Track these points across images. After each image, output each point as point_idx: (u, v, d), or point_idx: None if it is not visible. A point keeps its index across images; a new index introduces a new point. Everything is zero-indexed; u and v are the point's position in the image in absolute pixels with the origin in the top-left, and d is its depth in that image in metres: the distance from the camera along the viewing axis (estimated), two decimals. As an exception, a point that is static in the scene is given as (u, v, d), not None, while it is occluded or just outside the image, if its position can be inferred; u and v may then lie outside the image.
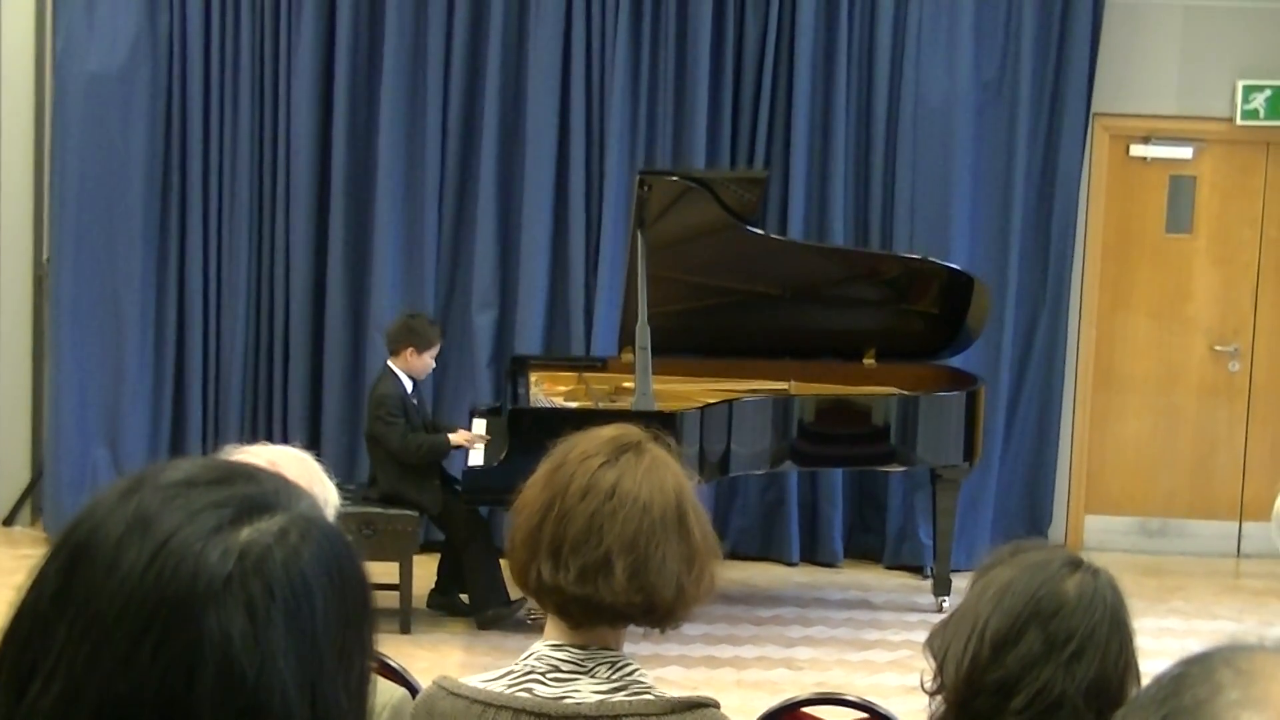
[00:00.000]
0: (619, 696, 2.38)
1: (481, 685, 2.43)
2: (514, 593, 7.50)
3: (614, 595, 2.36)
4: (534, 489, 2.45)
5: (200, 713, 1.10)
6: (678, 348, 8.11)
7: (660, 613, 2.41)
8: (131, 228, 8.92)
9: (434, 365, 8.06)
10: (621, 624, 2.44)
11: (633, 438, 2.47)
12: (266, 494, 1.19)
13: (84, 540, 1.16)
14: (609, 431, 2.49)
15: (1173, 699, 0.94)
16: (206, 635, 1.11)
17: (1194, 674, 0.95)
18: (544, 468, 2.46)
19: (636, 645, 7.25)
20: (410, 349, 7.77)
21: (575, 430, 2.53)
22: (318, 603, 1.15)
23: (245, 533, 1.15)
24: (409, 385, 7.83)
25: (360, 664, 1.19)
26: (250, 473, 1.22)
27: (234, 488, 1.19)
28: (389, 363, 7.83)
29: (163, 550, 1.13)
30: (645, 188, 7.62)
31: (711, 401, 7.64)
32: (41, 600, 1.15)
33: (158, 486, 1.18)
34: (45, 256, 9.15)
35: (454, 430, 7.91)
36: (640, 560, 2.36)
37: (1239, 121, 9.43)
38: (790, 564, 9.20)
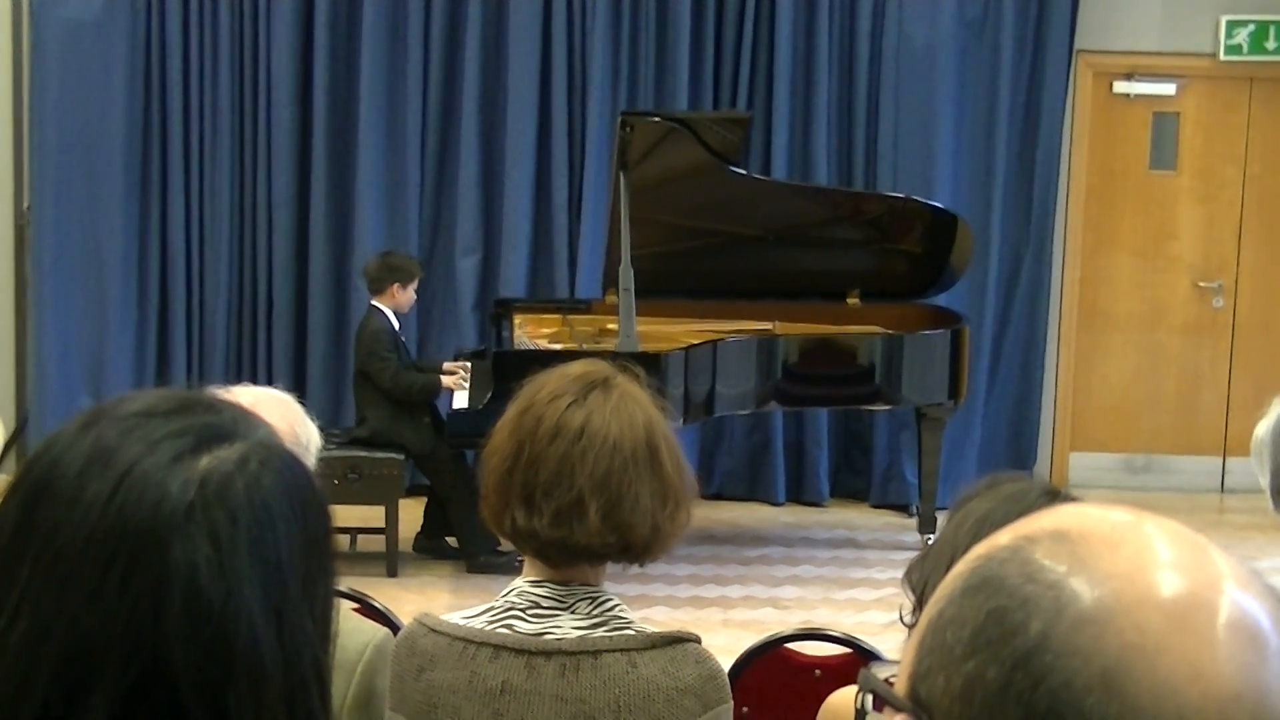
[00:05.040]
0: (599, 632, 2.38)
1: (462, 622, 2.43)
2: (507, 544, 7.49)
3: (589, 537, 2.35)
4: (503, 433, 2.42)
5: (169, 644, 1.10)
6: (661, 289, 8.09)
7: (637, 550, 2.40)
8: (112, 175, 8.87)
9: (415, 298, 8.06)
10: (599, 563, 2.44)
11: (600, 373, 2.44)
12: (225, 422, 1.19)
13: (44, 475, 1.15)
14: (576, 369, 2.45)
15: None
16: (172, 565, 1.10)
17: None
18: (512, 410, 2.43)
19: (623, 586, 7.22)
20: (395, 284, 7.80)
21: None
22: (280, 529, 1.15)
23: (205, 461, 1.15)
24: (396, 323, 7.84)
25: (324, 590, 1.19)
26: (208, 402, 1.21)
27: (192, 417, 1.18)
28: (374, 302, 7.83)
29: (124, 481, 1.12)
30: (627, 129, 7.57)
31: (696, 343, 7.63)
32: (3, 537, 1.14)
33: (116, 418, 1.17)
34: (26, 205, 9.10)
35: (439, 368, 7.90)
36: (613, 500, 2.34)
37: (1222, 57, 9.39)
38: (776, 504, 9.22)
